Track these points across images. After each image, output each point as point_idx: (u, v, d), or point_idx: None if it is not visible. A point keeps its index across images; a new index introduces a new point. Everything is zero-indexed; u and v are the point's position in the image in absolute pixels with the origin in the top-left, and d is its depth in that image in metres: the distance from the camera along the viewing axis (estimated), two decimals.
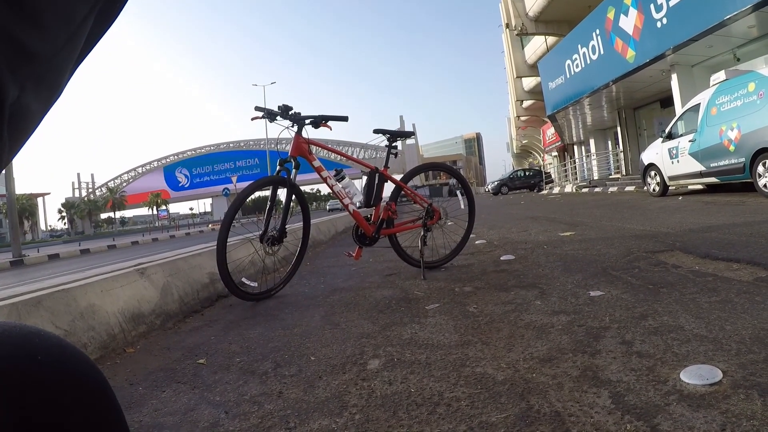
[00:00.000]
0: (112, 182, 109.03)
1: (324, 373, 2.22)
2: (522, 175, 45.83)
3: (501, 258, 4.90)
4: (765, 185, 9.05)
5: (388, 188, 4.66)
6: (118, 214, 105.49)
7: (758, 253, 3.85)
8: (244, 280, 4.21)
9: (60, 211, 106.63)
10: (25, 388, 0.46)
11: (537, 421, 1.56)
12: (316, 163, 4.37)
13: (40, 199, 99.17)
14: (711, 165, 10.61)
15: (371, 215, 4.57)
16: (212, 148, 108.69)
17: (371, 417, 1.74)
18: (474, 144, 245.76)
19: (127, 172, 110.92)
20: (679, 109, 15.12)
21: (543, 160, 55.87)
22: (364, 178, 4.56)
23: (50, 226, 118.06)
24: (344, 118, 4.49)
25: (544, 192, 32.44)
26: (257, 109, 4.37)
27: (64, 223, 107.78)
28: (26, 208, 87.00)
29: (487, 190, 56.52)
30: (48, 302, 2.69)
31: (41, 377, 0.48)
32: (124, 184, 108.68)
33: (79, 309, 2.84)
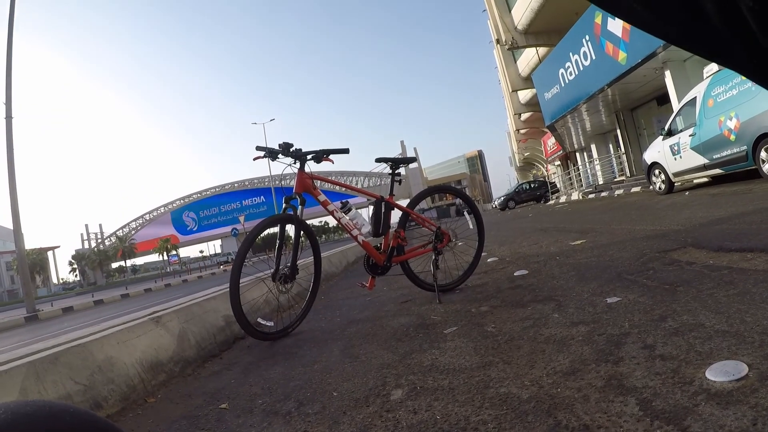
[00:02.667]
0: (121, 231, 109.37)
1: (348, 407, 2.20)
2: (527, 187, 45.88)
3: (515, 274, 4.88)
4: None
5: (396, 215, 4.67)
6: (129, 263, 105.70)
7: None
8: (259, 320, 4.20)
9: (71, 263, 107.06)
10: None
11: None
12: (322, 198, 4.38)
13: (50, 253, 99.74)
14: (714, 157, 10.64)
15: (381, 244, 4.57)
16: (217, 189, 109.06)
17: None
18: (477, 161, 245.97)
19: (135, 220, 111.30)
20: (675, 105, 15.16)
21: (547, 171, 55.91)
22: (371, 207, 4.56)
23: (62, 278, 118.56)
24: (345, 151, 4.50)
25: (551, 202, 32.43)
26: (258, 148, 4.40)
27: (76, 275, 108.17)
28: (37, 262, 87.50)
29: (494, 206, 56.57)
30: (65, 358, 2.69)
31: None
32: (133, 231, 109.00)
33: (96, 363, 2.84)
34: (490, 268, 5.67)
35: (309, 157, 4.34)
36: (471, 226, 5.09)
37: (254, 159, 4.45)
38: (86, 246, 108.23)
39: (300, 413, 2.26)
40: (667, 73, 17.13)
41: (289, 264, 4.23)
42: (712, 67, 11.01)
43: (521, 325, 2.96)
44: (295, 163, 4.33)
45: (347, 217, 4.48)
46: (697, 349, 1.98)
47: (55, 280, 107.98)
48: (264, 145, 4.39)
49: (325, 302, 5.69)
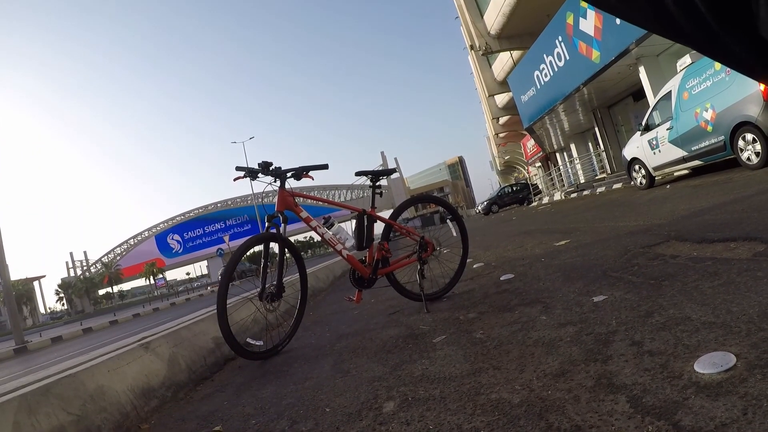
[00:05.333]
0: (106, 257, 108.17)
1: (341, 423, 2.19)
2: (510, 191, 46.09)
3: (501, 278, 4.88)
4: (748, 158, 9.22)
5: (379, 228, 4.66)
6: (116, 288, 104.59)
7: (753, 227, 3.88)
8: (249, 340, 4.18)
9: (57, 293, 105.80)
10: None
11: None
12: (304, 215, 4.38)
13: (36, 283, 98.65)
14: (692, 149, 10.73)
15: (366, 257, 4.57)
16: (201, 210, 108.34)
17: None
18: (458, 168, 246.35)
19: (120, 245, 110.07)
20: (651, 99, 15.27)
21: (528, 173, 56.19)
22: (353, 221, 4.56)
23: (49, 308, 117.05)
24: (324, 167, 4.50)
25: (534, 204, 32.53)
26: (238, 168, 4.39)
27: (63, 304, 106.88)
28: (23, 293, 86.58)
29: (477, 211, 56.71)
30: (56, 389, 2.67)
31: None
32: (118, 257, 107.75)
33: (88, 392, 2.82)
34: (477, 274, 5.68)
35: (289, 174, 4.34)
36: (454, 234, 5.10)
37: (234, 179, 4.44)
38: (72, 274, 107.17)
39: (294, 431, 2.25)
40: (641, 69, 17.28)
41: (275, 282, 4.22)
42: (686, 60, 11.12)
43: (509, 330, 2.96)
44: (275, 181, 4.33)
45: (330, 233, 4.47)
46: (685, 342, 2.00)
47: (42, 310, 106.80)
48: (244, 165, 4.39)
49: (313, 318, 5.67)
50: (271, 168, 4.30)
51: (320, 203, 4.97)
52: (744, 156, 9.32)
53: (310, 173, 4.44)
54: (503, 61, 34.98)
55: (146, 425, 2.95)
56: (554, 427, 1.62)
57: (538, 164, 46.68)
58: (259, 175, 4.31)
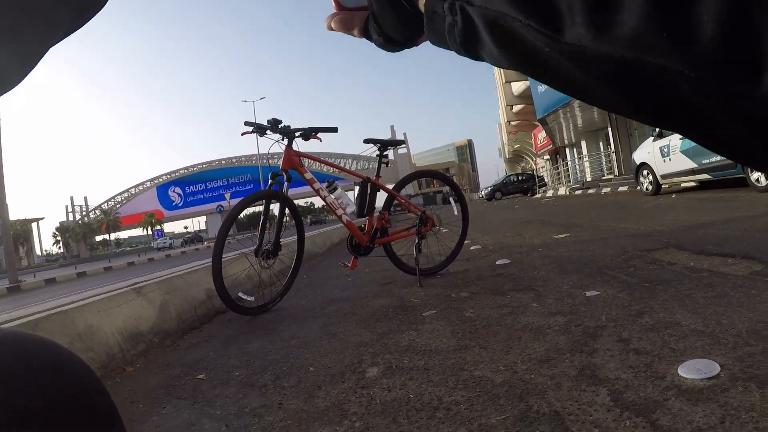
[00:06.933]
0: (106, 204, 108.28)
1: (323, 382, 2.21)
2: (515, 179, 46.01)
3: (496, 262, 4.90)
4: (758, 179, 9.14)
5: (381, 198, 4.67)
6: (113, 236, 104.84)
7: (753, 247, 3.86)
8: (240, 294, 4.20)
9: (55, 236, 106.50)
10: (14, 392, 0.44)
11: (536, 422, 1.56)
12: (308, 176, 4.37)
13: (34, 225, 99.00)
14: (703, 162, 10.67)
15: (365, 225, 4.57)
16: (204, 166, 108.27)
17: (371, 424, 1.74)
18: (466, 151, 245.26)
19: (120, 194, 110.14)
20: None
21: (535, 164, 56.01)
22: (357, 188, 4.56)
23: (46, 250, 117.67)
24: (334, 129, 4.49)
25: (538, 196, 32.52)
26: (247, 123, 4.38)
27: (60, 247, 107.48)
28: (21, 234, 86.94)
29: (481, 196, 56.67)
30: (45, 325, 2.68)
31: (34, 383, 0.46)
32: (118, 205, 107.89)
33: (77, 330, 2.83)
34: (473, 256, 5.69)
35: (297, 134, 4.33)
36: (456, 212, 5.10)
37: (242, 134, 4.44)
38: (71, 218, 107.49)
39: (276, 386, 2.27)
40: None
41: (272, 241, 4.23)
42: None
43: (499, 312, 2.98)
44: (283, 139, 4.32)
45: (332, 197, 4.47)
46: (672, 346, 2.01)
47: (38, 252, 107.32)
48: (253, 121, 4.38)
49: (306, 281, 5.69)
50: (280, 126, 4.29)
51: (325, 167, 4.97)
52: (753, 176, 9.27)
53: (319, 135, 4.43)
54: None
55: (131, 368, 2.97)
56: (533, 410, 1.64)
57: (547, 157, 46.52)
58: (268, 131, 4.30)
